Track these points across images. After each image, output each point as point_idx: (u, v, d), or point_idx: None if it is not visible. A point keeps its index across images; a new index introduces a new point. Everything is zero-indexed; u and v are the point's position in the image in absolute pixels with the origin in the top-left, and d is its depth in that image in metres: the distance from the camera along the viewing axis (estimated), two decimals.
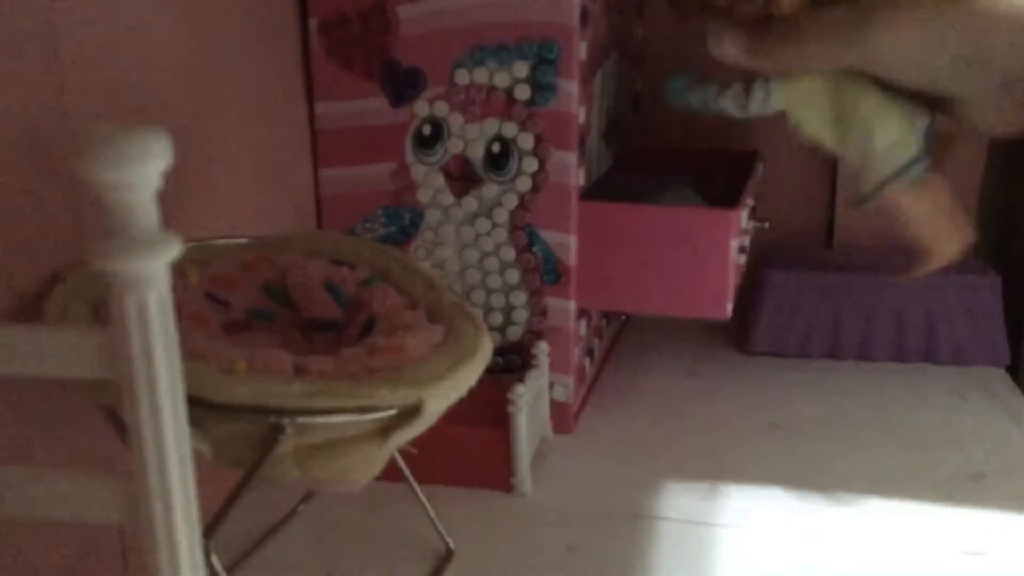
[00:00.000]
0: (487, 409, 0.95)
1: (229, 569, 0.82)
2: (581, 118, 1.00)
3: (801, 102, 0.99)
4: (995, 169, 1.40)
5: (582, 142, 1.02)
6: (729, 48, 0.95)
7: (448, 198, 1.05)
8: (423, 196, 1.05)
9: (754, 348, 1.31)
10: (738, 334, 1.34)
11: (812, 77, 0.98)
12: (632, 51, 1.28)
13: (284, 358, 0.64)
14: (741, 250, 1.08)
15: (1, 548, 0.64)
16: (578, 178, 1.01)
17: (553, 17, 0.97)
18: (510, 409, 0.94)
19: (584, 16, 0.98)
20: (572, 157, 1.00)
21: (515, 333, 1.07)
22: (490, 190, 1.03)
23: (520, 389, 0.94)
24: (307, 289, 0.79)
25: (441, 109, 1.02)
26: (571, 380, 1.08)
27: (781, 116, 1.03)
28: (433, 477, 0.95)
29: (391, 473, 0.74)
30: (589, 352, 1.15)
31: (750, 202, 1.13)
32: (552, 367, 1.05)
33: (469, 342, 0.69)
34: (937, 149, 0.99)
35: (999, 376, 1.25)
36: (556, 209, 1.02)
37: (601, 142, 1.13)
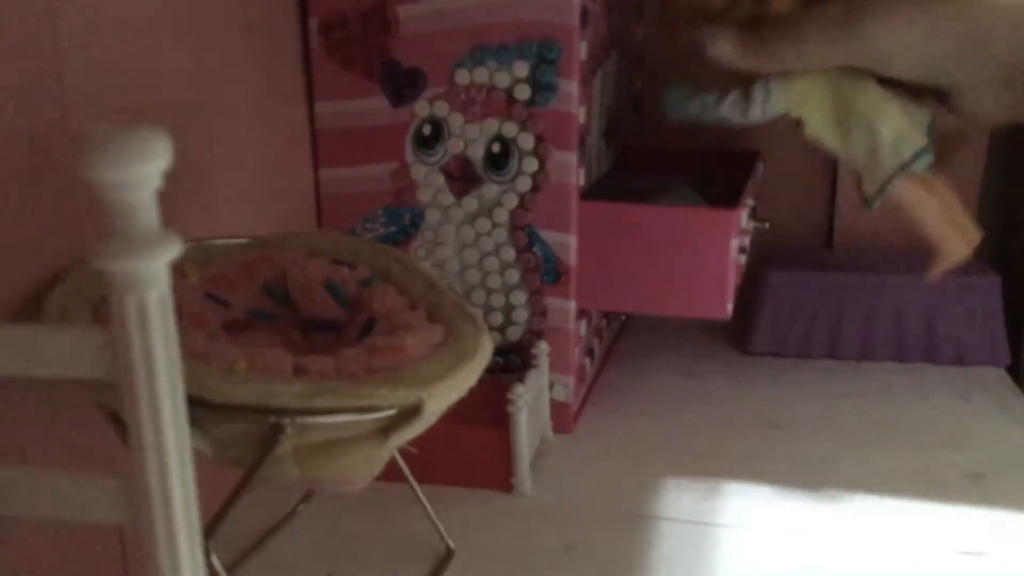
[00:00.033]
0: (487, 409, 0.95)
1: (229, 569, 0.82)
2: (581, 118, 1.00)
3: (802, 102, 0.99)
4: (995, 169, 1.40)
5: (582, 142, 1.02)
6: (726, 50, 0.95)
7: (448, 198, 1.05)
8: (423, 196, 1.05)
9: (754, 348, 1.30)
10: (738, 334, 1.34)
11: (811, 77, 0.98)
12: (632, 51, 1.28)
13: (284, 358, 0.64)
14: (741, 250, 1.08)
15: (1, 548, 0.64)
16: (578, 178, 1.01)
17: (553, 17, 0.96)
18: (510, 409, 0.94)
19: (584, 16, 0.98)
20: (572, 157, 1.00)
21: (515, 333, 1.07)
22: (490, 190, 1.03)
23: (520, 389, 0.94)
24: (307, 289, 0.79)
25: (441, 109, 1.02)
26: (571, 380, 1.08)
27: (782, 116, 1.03)
28: (433, 477, 0.95)
29: (391, 473, 0.74)
30: (589, 352, 1.15)
31: (750, 202, 1.13)
32: (552, 367, 1.05)
33: (469, 342, 0.69)
34: (939, 151, 0.99)
35: (999, 376, 1.25)
36: (556, 209, 1.02)
37: (601, 142, 1.13)
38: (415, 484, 0.85)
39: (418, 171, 1.05)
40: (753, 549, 0.88)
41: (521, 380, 0.96)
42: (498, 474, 0.97)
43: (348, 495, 0.89)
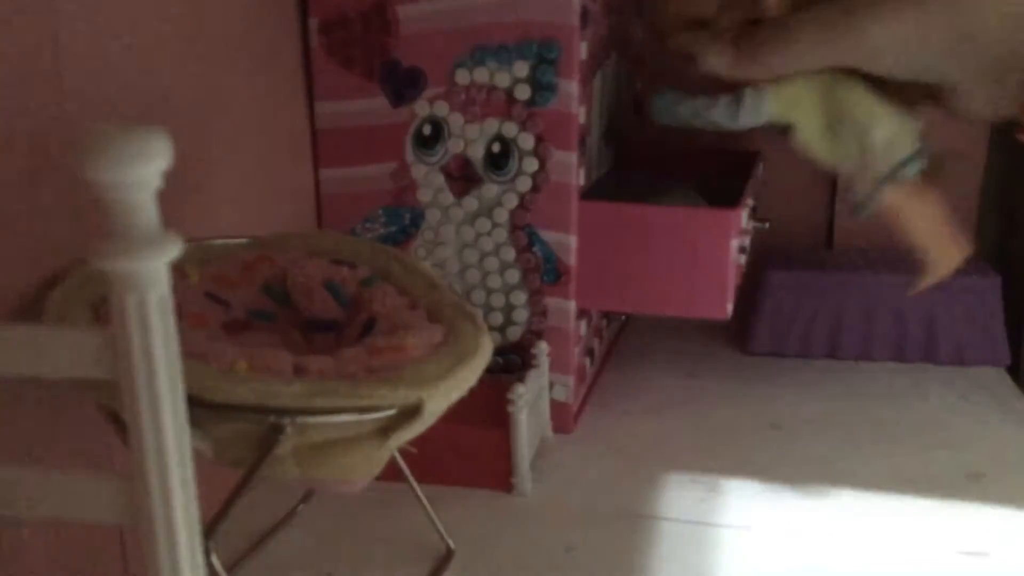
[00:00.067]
0: (487, 409, 0.95)
1: (229, 569, 0.82)
2: (581, 118, 1.00)
3: (792, 107, 0.99)
4: (995, 170, 1.40)
5: (582, 142, 1.02)
6: (718, 62, 0.96)
7: (448, 198, 1.05)
8: (423, 196, 1.05)
9: (754, 348, 1.31)
10: (738, 334, 1.34)
11: (802, 82, 0.98)
12: (632, 51, 1.28)
13: (284, 358, 0.64)
14: (741, 250, 1.08)
15: (1, 548, 0.64)
16: (578, 178, 1.01)
17: (553, 17, 0.96)
18: (510, 409, 0.94)
19: (584, 16, 0.98)
20: (572, 157, 1.00)
21: (515, 333, 1.07)
22: (490, 190, 1.03)
23: (520, 389, 0.94)
24: (307, 289, 0.79)
25: (441, 109, 1.02)
26: (571, 380, 1.08)
27: (772, 123, 1.04)
28: (433, 477, 0.95)
29: (391, 473, 0.74)
30: (589, 352, 1.15)
31: (750, 202, 1.13)
32: (552, 367, 1.05)
33: (469, 342, 0.69)
34: (931, 167, 1.00)
35: (999, 376, 1.25)
36: (556, 209, 1.02)
37: (601, 142, 1.13)
38: (415, 484, 0.85)
39: (418, 171, 1.05)
40: (753, 549, 0.88)
41: (521, 380, 0.96)
42: (498, 474, 0.97)
43: (348, 495, 0.89)
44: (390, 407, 0.62)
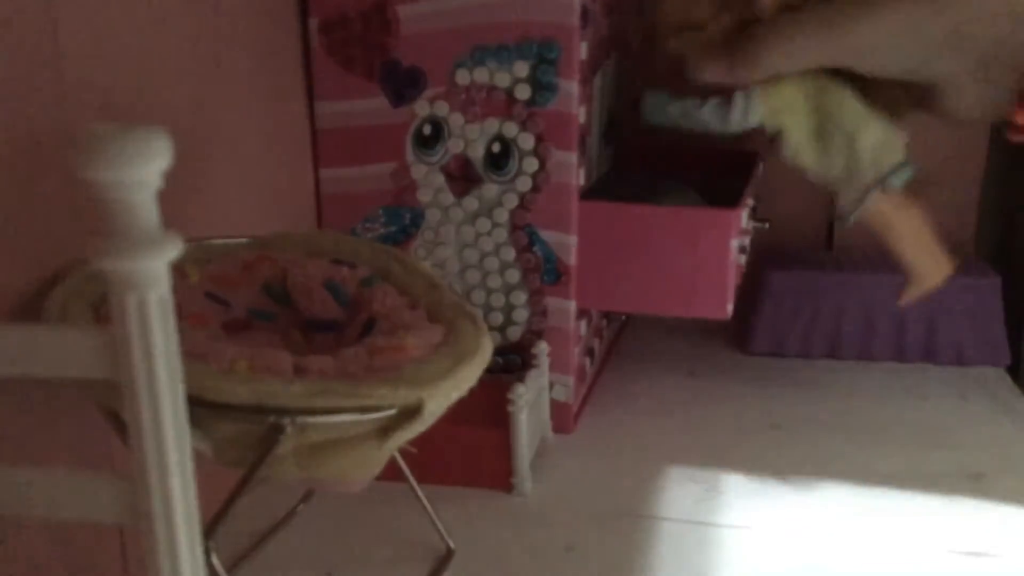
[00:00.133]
0: (487, 409, 0.95)
1: (229, 569, 0.82)
2: (581, 118, 1.00)
3: (781, 112, 0.99)
4: (995, 170, 1.40)
5: (582, 142, 1.02)
6: (714, 67, 0.96)
7: (448, 198, 1.05)
8: (423, 196, 1.05)
9: (754, 348, 1.30)
10: (738, 334, 1.34)
11: (792, 87, 0.99)
12: (632, 51, 1.28)
13: (284, 358, 0.64)
14: (741, 250, 1.08)
15: (1, 548, 0.64)
16: (578, 178, 1.01)
17: (553, 17, 0.96)
18: (510, 409, 0.94)
19: (584, 16, 0.98)
20: (572, 157, 1.00)
21: (515, 333, 1.07)
22: (490, 190, 1.03)
23: (520, 389, 0.94)
24: (307, 289, 0.79)
25: (441, 109, 1.02)
26: (571, 380, 1.08)
27: (761, 130, 1.04)
28: (433, 477, 0.95)
29: (391, 473, 0.74)
30: (589, 352, 1.15)
31: (750, 202, 1.13)
32: (552, 367, 1.05)
33: (469, 342, 0.69)
34: (913, 185, 1.00)
35: (999, 376, 1.25)
36: (556, 209, 1.02)
37: (601, 142, 1.13)
38: (415, 484, 0.85)
39: (418, 171, 1.05)
40: (753, 549, 0.88)
41: (521, 380, 0.96)
42: (498, 474, 0.97)
43: (348, 495, 0.89)
44: (390, 407, 0.62)
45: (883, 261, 1.30)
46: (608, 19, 1.10)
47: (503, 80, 0.99)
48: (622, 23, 1.19)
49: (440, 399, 0.64)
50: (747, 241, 1.12)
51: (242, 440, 0.61)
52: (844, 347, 1.28)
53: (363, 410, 0.61)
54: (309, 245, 0.85)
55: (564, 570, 0.85)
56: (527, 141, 1.00)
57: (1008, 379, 1.24)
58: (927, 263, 1.03)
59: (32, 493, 0.50)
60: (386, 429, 0.63)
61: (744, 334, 1.32)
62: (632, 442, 1.08)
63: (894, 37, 0.88)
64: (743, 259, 1.11)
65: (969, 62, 0.86)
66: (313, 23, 1.03)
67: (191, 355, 0.59)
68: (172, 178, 0.43)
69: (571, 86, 0.98)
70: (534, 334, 1.06)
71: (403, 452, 0.79)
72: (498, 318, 1.06)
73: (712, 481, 0.99)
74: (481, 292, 1.06)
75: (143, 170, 0.41)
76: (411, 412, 0.63)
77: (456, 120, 1.02)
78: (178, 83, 0.83)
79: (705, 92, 1.00)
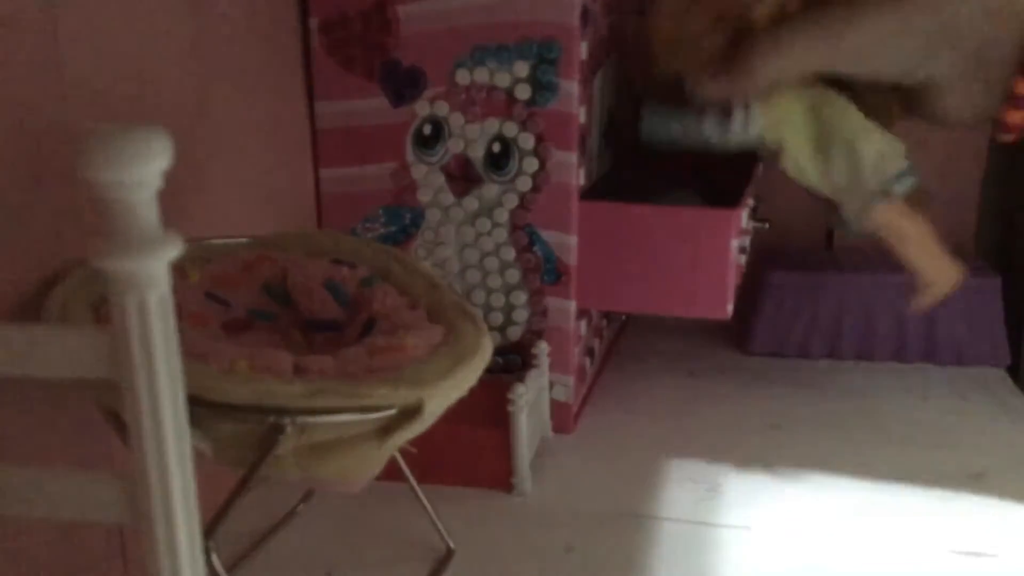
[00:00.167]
0: (487, 409, 0.95)
1: (229, 569, 0.82)
2: (582, 118, 1.00)
3: (781, 124, 0.99)
4: (995, 171, 1.40)
5: (583, 142, 1.02)
6: (710, 82, 0.97)
7: (449, 198, 1.05)
8: (424, 196, 1.05)
9: (754, 348, 1.30)
10: (738, 334, 1.34)
11: (790, 100, 0.99)
12: (633, 52, 1.27)
13: (284, 358, 0.64)
14: (741, 250, 1.08)
15: (1, 548, 0.64)
16: (578, 178, 1.01)
17: (554, 17, 0.96)
18: (510, 409, 0.94)
19: (585, 16, 0.98)
20: (572, 157, 1.00)
21: (515, 333, 1.07)
22: (490, 190, 1.03)
23: (520, 389, 0.94)
24: (307, 289, 0.79)
25: (442, 109, 1.02)
26: (571, 380, 1.08)
27: (761, 145, 1.04)
28: (433, 477, 0.94)
29: (391, 473, 0.74)
30: (589, 352, 1.15)
31: (750, 202, 1.13)
32: (552, 367, 1.05)
33: (469, 342, 0.69)
34: (914, 194, 1.01)
35: (999, 376, 1.25)
36: (556, 209, 1.02)
37: (601, 142, 1.13)
38: (415, 484, 0.85)
39: (418, 171, 1.05)
40: (753, 549, 0.88)
41: (521, 380, 0.96)
42: (498, 474, 0.97)
43: (348, 495, 0.89)
44: (390, 407, 0.62)
45: (883, 261, 1.30)
46: (609, 19, 1.10)
47: (503, 80, 0.99)
48: (622, 23, 1.19)
49: (440, 399, 0.64)
50: (747, 241, 1.12)
51: (242, 440, 0.61)
52: (844, 347, 1.28)
53: (363, 410, 0.61)
54: (309, 245, 0.85)
55: (564, 570, 0.85)
56: (527, 141, 1.00)
57: (1008, 379, 1.24)
58: (936, 268, 1.04)
59: (32, 493, 0.50)
60: (386, 429, 0.63)
61: (744, 334, 1.32)
62: (632, 442, 1.08)
63: (889, 39, 0.89)
64: (743, 259, 1.11)
65: (957, 59, 0.87)
66: (313, 23, 1.03)
67: (191, 355, 0.59)
68: (172, 178, 0.43)
69: (571, 86, 0.98)
70: (534, 334, 1.06)
71: (403, 452, 0.80)
72: (498, 318, 1.06)
73: (712, 481, 0.99)
74: (481, 292, 1.06)
75: (143, 170, 0.41)
76: (411, 412, 0.63)
77: (456, 120, 1.02)
78: (178, 83, 0.83)
79: (702, 107, 1.00)
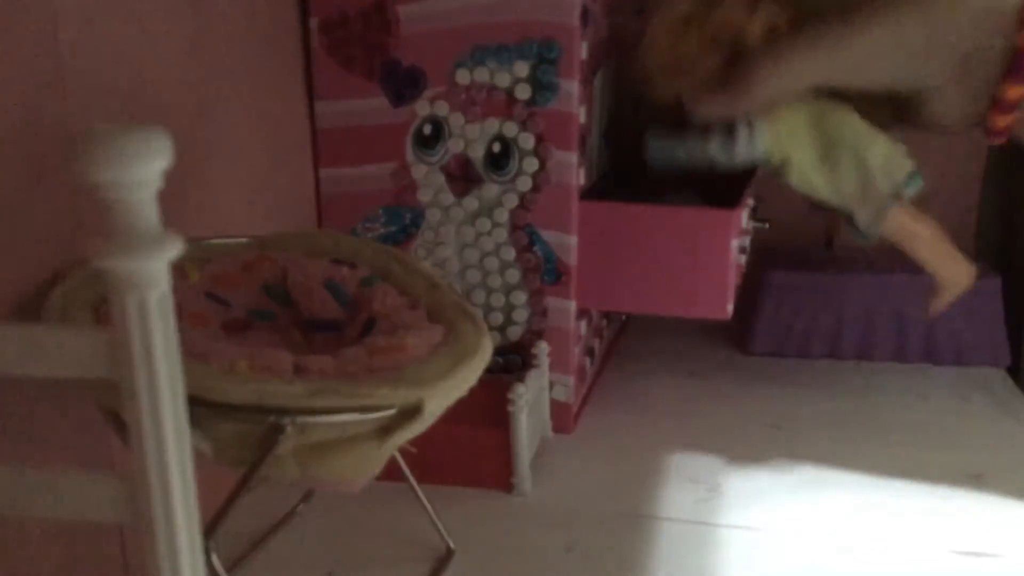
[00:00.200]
0: (487, 409, 0.95)
1: (229, 569, 0.82)
2: (582, 118, 1.00)
3: (786, 139, 1.00)
4: (995, 171, 1.40)
5: (583, 142, 1.02)
6: (710, 104, 0.97)
7: (449, 198, 1.05)
8: (424, 196, 1.05)
9: (755, 349, 1.30)
10: (739, 334, 1.34)
11: (793, 114, 0.99)
12: (632, 52, 1.27)
13: (284, 358, 0.64)
14: (741, 250, 1.08)
15: (2, 548, 0.64)
16: (578, 178, 1.01)
17: (554, 17, 0.96)
18: (510, 409, 0.94)
19: (585, 16, 0.98)
20: (573, 157, 1.00)
21: (515, 333, 1.07)
22: (490, 190, 1.03)
23: (520, 389, 0.94)
24: (307, 288, 0.79)
25: (442, 109, 1.02)
26: (571, 380, 1.08)
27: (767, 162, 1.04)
28: (433, 477, 0.94)
29: (391, 473, 0.74)
30: (589, 352, 1.15)
31: (750, 202, 1.13)
32: (552, 367, 1.05)
33: (469, 342, 0.69)
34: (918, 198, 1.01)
35: (999, 376, 1.25)
36: (556, 209, 1.02)
37: (601, 142, 1.13)
38: (415, 484, 0.85)
39: (418, 171, 1.05)
40: (753, 548, 0.88)
41: (521, 380, 0.96)
42: (498, 474, 0.97)
43: (348, 495, 0.89)
44: (390, 407, 0.62)
45: (883, 261, 1.30)
46: (609, 20, 1.10)
47: (503, 80, 0.99)
48: (622, 24, 1.19)
49: (440, 399, 0.64)
50: (747, 241, 1.12)
51: (242, 440, 0.61)
52: (844, 347, 1.28)
53: (363, 410, 0.61)
54: (309, 245, 0.84)
55: (564, 570, 0.85)
56: (527, 141, 1.00)
57: (1008, 379, 1.24)
58: (951, 268, 1.04)
59: (32, 493, 0.50)
60: (386, 429, 0.63)
61: (744, 334, 1.32)
62: (632, 442, 1.08)
63: (883, 49, 0.90)
64: (743, 259, 1.11)
65: (949, 68, 0.88)
66: (313, 23, 1.03)
67: (191, 355, 0.59)
68: (172, 178, 0.43)
69: (571, 86, 0.98)
70: (534, 334, 1.06)
71: (403, 452, 0.80)
72: (498, 318, 1.06)
73: (712, 481, 0.99)
74: (481, 292, 1.06)
75: (143, 170, 0.41)
76: (411, 412, 0.62)
77: (456, 120, 1.02)
78: (178, 83, 0.83)
79: (705, 128, 1.00)
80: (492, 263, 1.05)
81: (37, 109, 0.66)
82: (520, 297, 1.05)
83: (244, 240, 0.84)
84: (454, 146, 1.03)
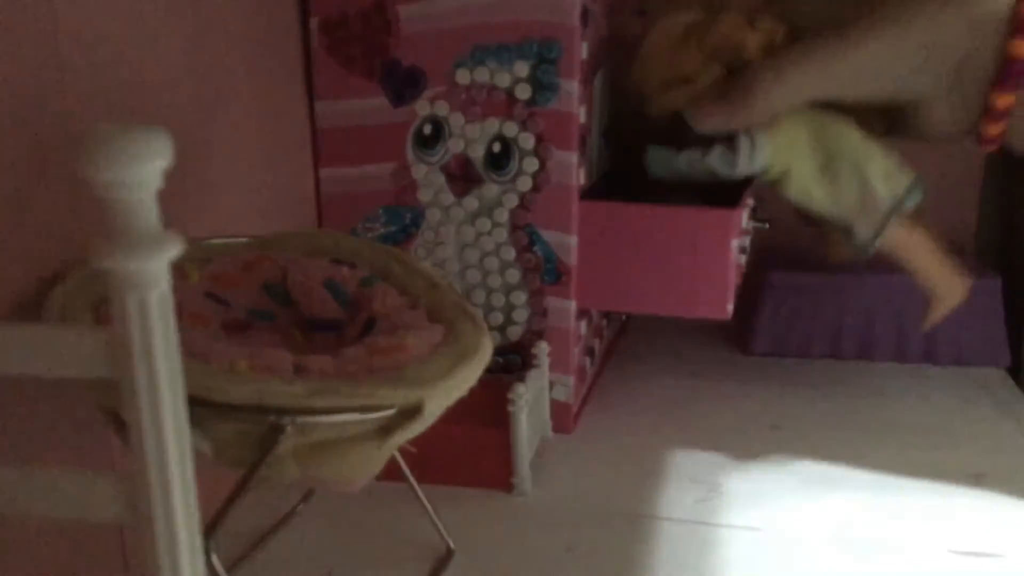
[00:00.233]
0: (487, 409, 0.95)
1: (229, 569, 0.82)
2: (582, 118, 1.00)
3: (787, 151, 1.00)
4: (995, 171, 1.40)
5: (583, 142, 1.02)
6: (710, 119, 0.97)
7: (449, 198, 1.05)
8: (424, 196, 1.05)
9: (755, 349, 1.30)
10: (739, 335, 1.34)
11: (793, 126, 0.99)
12: (632, 52, 1.27)
13: (284, 357, 0.64)
14: (742, 250, 1.08)
15: (1, 548, 0.64)
16: (578, 178, 1.01)
17: (554, 17, 0.96)
18: (510, 409, 0.94)
19: (585, 15, 0.98)
20: (573, 157, 1.00)
21: (515, 333, 1.07)
22: (491, 190, 1.03)
23: (520, 389, 0.94)
24: (307, 288, 0.79)
25: (442, 108, 1.02)
26: (571, 380, 1.08)
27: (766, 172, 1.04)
28: (433, 477, 0.95)
29: (391, 473, 0.74)
30: (589, 352, 1.15)
31: (750, 202, 1.13)
32: (552, 367, 1.05)
33: (469, 342, 0.69)
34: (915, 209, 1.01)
35: (999, 376, 1.25)
36: (557, 209, 1.02)
37: (601, 142, 1.13)
38: (415, 484, 0.85)
39: (419, 171, 1.05)
40: (753, 549, 0.88)
41: (521, 380, 0.96)
42: (498, 474, 0.97)
43: (348, 495, 0.89)
44: (390, 407, 0.62)
45: (883, 261, 1.30)
46: (609, 19, 1.10)
47: (503, 80, 0.99)
48: (622, 24, 1.19)
49: (440, 399, 0.64)
50: (747, 241, 1.12)
51: (242, 440, 0.61)
52: (844, 347, 1.28)
53: (363, 410, 0.61)
54: (309, 245, 0.85)
55: (564, 570, 0.85)
56: (527, 141, 1.00)
57: (1008, 379, 1.24)
58: (946, 281, 1.04)
59: (32, 493, 0.50)
60: (386, 429, 0.63)
61: (744, 334, 1.32)
62: (632, 442, 1.08)
63: (882, 61, 0.90)
64: (743, 259, 1.11)
65: (943, 77, 0.88)
66: (313, 23, 1.04)
67: (191, 355, 0.59)
68: (172, 178, 0.43)
69: (572, 86, 0.98)
70: (534, 334, 1.06)
71: (403, 452, 0.80)
72: (498, 318, 1.06)
73: (712, 481, 0.99)
74: (481, 292, 1.06)
75: (143, 170, 0.41)
76: (411, 412, 0.63)
77: (456, 120, 1.02)
78: (178, 83, 0.83)
79: (706, 141, 1.00)
80: (492, 263, 1.05)
81: (36, 109, 0.66)
82: (520, 297, 1.05)
83: (244, 240, 0.84)
84: (454, 146, 1.03)
